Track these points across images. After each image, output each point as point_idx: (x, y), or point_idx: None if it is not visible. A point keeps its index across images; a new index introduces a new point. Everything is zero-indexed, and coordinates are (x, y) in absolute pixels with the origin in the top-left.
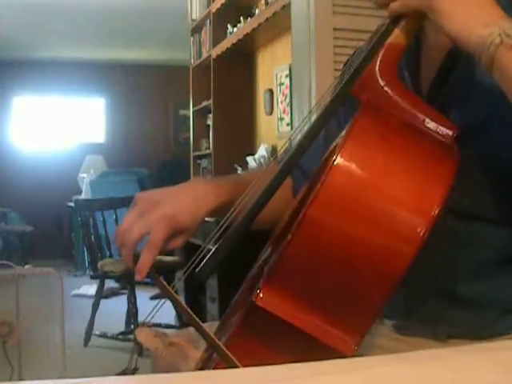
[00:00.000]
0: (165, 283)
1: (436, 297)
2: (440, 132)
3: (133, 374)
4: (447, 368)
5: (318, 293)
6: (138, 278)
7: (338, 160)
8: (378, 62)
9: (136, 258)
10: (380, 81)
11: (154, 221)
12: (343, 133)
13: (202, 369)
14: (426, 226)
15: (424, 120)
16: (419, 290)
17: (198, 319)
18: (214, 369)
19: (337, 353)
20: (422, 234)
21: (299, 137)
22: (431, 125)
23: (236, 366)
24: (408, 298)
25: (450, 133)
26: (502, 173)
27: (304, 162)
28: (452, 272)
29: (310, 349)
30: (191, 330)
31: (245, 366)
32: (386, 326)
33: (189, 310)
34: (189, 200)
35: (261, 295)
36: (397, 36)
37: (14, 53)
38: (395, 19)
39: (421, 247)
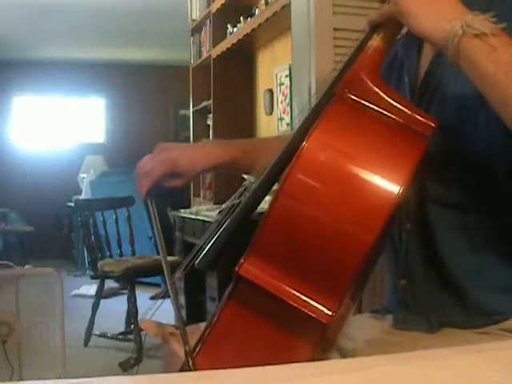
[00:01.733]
0: (156, 214)
1: (429, 285)
2: (415, 121)
3: (135, 364)
4: (447, 368)
5: (294, 263)
6: (139, 193)
7: (305, 144)
8: (359, 63)
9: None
10: (362, 77)
11: (158, 160)
12: None
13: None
14: (390, 205)
15: (399, 110)
16: (415, 280)
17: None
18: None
19: (315, 321)
20: (385, 212)
21: (294, 134)
22: (407, 114)
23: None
24: (407, 288)
25: (428, 123)
26: (477, 164)
27: None
28: (440, 257)
29: (291, 317)
30: (198, 325)
31: (231, 338)
32: (387, 321)
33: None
34: (191, 152)
35: (243, 265)
36: (376, 40)
37: (13, 53)
38: (374, 28)
39: (385, 224)
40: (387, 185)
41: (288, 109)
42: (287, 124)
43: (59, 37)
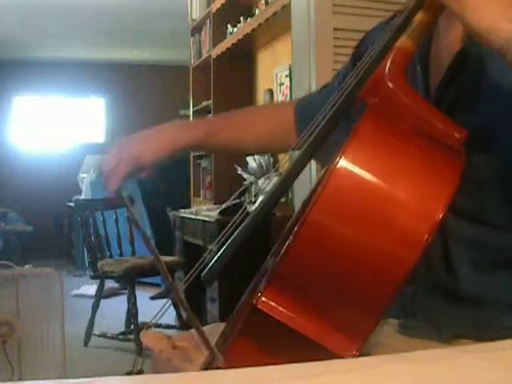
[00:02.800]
0: (130, 204)
1: (439, 295)
2: (447, 135)
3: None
4: (448, 367)
5: (319, 297)
6: (109, 191)
7: (340, 162)
8: (386, 66)
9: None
10: (388, 83)
11: (121, 158)
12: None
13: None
14: (429, 231)
15: (431, 123)
16: (424, 288)
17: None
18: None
19: (337, 357)
20: (424, 238)
21: (311, 138)
22: (438, 128)
23: (212, 351)
24: (414, 296)
25: (458, 136)
26: (507, 177)
27: (310, 106)
28: (454, 270)
29: (311, 353)
30: (195, 333)
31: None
32: (390, 325)
33: (152, 246)
34: (156, 143)
35: (262, 299)
36: (405, 40)
37: (13, 53)
38: (418, 5)
39: (423, 252)
40: (427, 209)
41: None
42: None
43: (59, 37)
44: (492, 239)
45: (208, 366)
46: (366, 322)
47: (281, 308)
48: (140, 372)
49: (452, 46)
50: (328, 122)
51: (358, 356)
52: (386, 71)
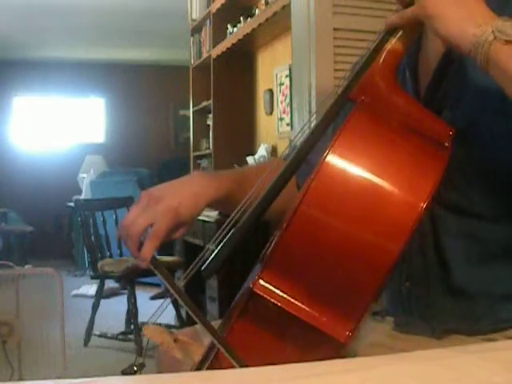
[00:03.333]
0: (167, 273)
1: (434, 289)
2: (434, 131)
3: (139, 369)
4: (448, 367)
5: (312, 281)
6: (142, 265)
7: (328, 157)
8: (377, 67)
9: (140, 247)
10: (379, 83)
11: (158, 213)
12: None
13: (202, 361)
14: (414, 220)
15: (418, 119)
16: (419, 284)
17: (201, 313)
18: (213, 361)
19: (332, 339)
20: (409, 227)
21: (304, 136)
22: (426, 125)
23: (238, 359)
24: (410, 292)
25: (446, 132)
26: (493, 170)
27: (311, 157)
28: (446, 264)
29: (306, 335)
30: (195, 327)
31: (245, 352)
32: (387, 323)
33: (191, 302)
34: (189, 194)
35: (258, 282)
36: (395, 43)
37: (14, 53)
38: (392, 30)
39: (408, 240)
40: (412, 198)
41: (288, 109)
42: (287, 124)
43: (59, 37)
44: (482, 231)
45: (207, 354)
46: (357, 305)
47: (276, 290)
48: (141, 366)
49: (438, 50)
50: (321, 122)
51: (351, 338)
52: (377, 72)
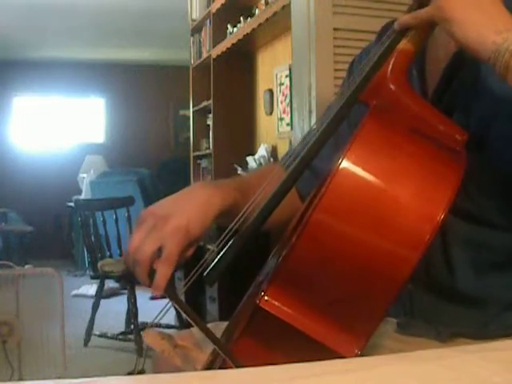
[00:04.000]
0: (182, 301)
1: (438, 294)
2: (448, 137)
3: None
4: (448, 367)
5: (321, 296)
6: (156, 293)
7: (343, 163)
8: (388, 68)
9: (151, 274)
10: (390, 86)
11: (167, 234)
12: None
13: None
14: (431, 232)
15: (433, 125)
16: (423, 287)
17: (215, 336)
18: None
19: (340, 356)
20: (426, 239)
21: (310, 142)
22: (440, 129)
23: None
24: (412, 295)
25: (459, 138)
26: (506, 177)
27: (315, 164)
28: (453, 270)
29: (314, 352)
30: (195, 331)
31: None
32: (389, 324)
33: (203, 324)
34: (196, 208)
35: (265, 298)
36: (406, 43)
37: (14, 53)
38: (404, 30)
39: (425, 252)
40: (428, 210)
41: (288, 109)
42: (287, 124)
43: (59, 37)
44: (491, 239)
45: (211, 365)
46: (368, 321)
47: (283, 307)
48: (141, 372)
49: (448, 47)
50: (330, 123)
51: (360, 354)
52: (388, 73)
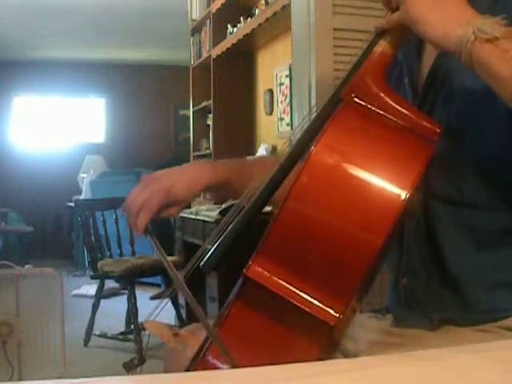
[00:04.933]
0: (158, 244)
1: (430, 280)
2: (420, 127)
3: (140, 364)
4: (448, 367)
5: (302, 265)
6: (137, 233)
7: (316, 148)
8: (366, 68)
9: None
10: (368, 81)
11: (153, 191)
12: None
13: (197, 352)
14: (396, 210)
15: (406, 115)
16: (417, 277)
17: (189, 291)
18: (206, 350)
19: (322, 322)
20: (392, 216)
21: (299, 135)
22: (412, 120)
23: (217, 338)
24: (406, 287)
25: (432, 128)
26: (480, 162)
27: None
28: (441, 254)
29: (298, 318)
30: (195, 325)
31: (240, 337)
32: (387, 320)
33: (178, 274)
34: (185, 178)
35: (251, 267)
36: (383, 45)
37: (14, 53)
38: (381, 33)
39: (392, 229)
40: (395, 189)
41: (288, 109)
42: (287, 124)
43: (59, 37)
44: (476, 221)
45: (201, 346)
46: (346, 288)
47: (268, 274)
48: (143, 360)
49: (431, 55)
50: (315, 121)
51: (341, 320)
52: (367, 72)
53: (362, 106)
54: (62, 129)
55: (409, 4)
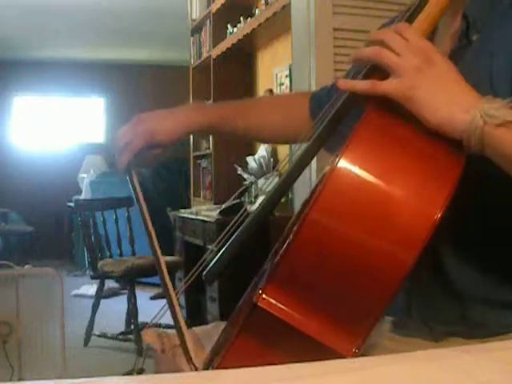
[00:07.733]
0: (138, 185)
1: (433, 291)
2: (446, 139)
3: (139, 374)
4: (448, 368)
5: (318, 295)
6: (119, 169)
7: (340, 162)
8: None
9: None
10: None
11: (137, 132)
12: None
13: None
14: (427, 230)
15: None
16: (418, 284)
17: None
18: (216, 369)
19: (337, 355)
20: (423, 238)
21: (318, 130)
22: (438, 133)
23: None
24: (408, 292)
25: (456, 141)
26: (489, 188)
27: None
28: (443, 268)
29: (311, 350)
30: (197, 331)
31: (246, 366)
32: (385, 323)
33: (153, 236)
34: (170, 121)
35: (262, 296)
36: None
37: (14, 53)
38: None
39: (421, 251)
40: (426, 208)
41: None
42: None
43: (59, 37)
44: (483, 240)
45: (209, 362)
46: (365, 320)
47: (280, 305)
48: (141, 371)
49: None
50: (334, 115)
51: (358, 354)
52: None
53: (387, 114)
54: (62, 129)
55: (408, 83)
